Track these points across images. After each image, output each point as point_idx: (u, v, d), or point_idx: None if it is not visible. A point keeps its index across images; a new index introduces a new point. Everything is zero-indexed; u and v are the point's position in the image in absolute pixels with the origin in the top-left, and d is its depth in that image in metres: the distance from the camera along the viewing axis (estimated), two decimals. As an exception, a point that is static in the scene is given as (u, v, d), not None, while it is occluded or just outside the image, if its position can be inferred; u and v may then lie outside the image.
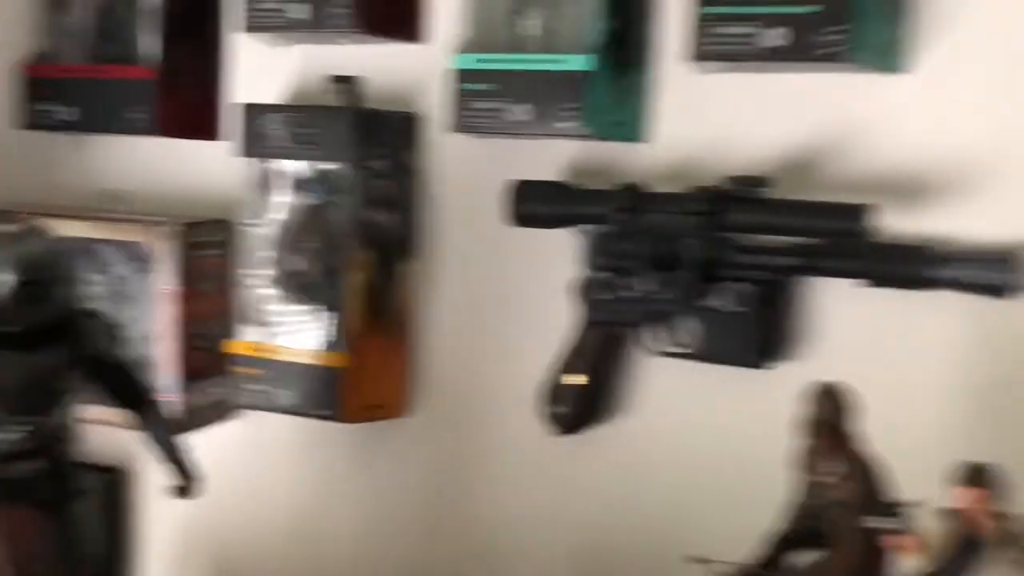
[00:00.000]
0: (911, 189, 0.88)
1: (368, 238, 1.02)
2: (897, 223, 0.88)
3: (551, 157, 1.00)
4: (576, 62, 0.91)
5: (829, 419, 0.68)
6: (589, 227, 0.95)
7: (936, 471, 0.78)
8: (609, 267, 0.94)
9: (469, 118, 0.95)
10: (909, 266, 0.85)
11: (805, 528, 0.72)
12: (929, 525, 0.67)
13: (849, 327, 0.90)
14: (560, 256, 0.99)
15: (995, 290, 0.83)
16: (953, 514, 0.66)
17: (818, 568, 0.68)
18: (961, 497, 0.65)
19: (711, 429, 0.95)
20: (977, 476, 0.65)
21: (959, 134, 0.86)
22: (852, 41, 0.81)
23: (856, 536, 0.67)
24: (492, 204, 1.00)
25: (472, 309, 1.05)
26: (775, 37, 0.83)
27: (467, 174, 1.04)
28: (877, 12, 0.83)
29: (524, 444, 1.03)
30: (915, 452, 0.83)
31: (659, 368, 0.97)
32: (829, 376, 0.88)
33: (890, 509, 0.63)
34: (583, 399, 0.96)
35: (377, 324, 1.04)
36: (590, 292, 0.95)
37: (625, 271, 0.93)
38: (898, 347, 0.89)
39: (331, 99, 1.04)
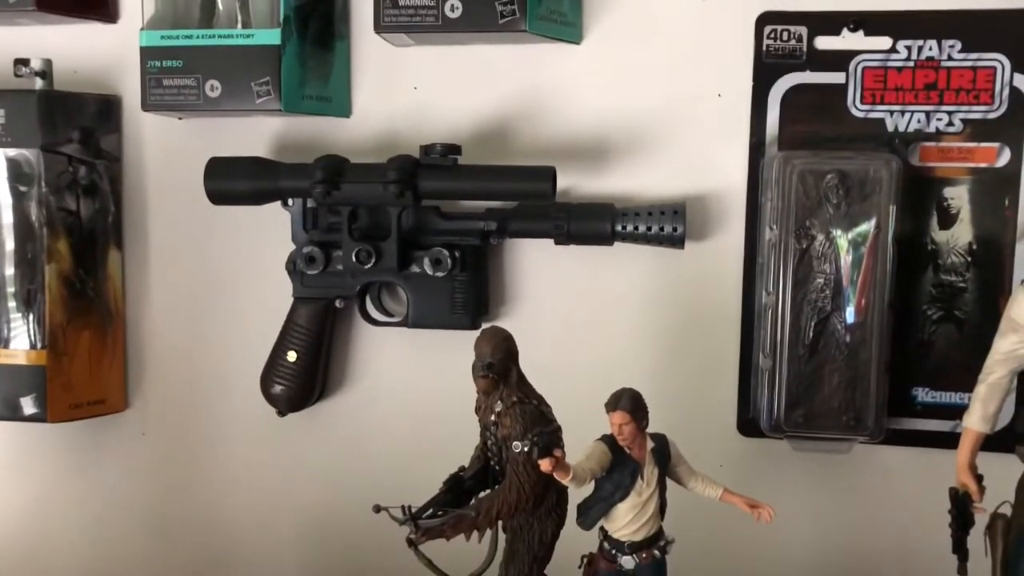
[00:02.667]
0: (594, 152, 0.93)
1: (65, 227, 0.97)
2: (583, 184, 0.94)
3: (256, 134, 0.99)
4: (265, 36, 0.90)
5: (487, 362, 0.71)
6: (294, 202, 0.95)
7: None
8: (316, 241, 0.94)
9: (160, 97, 0.93)
10: (595, 223, 0.90)
11: (485, 468, 0.75)
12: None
13: (550, 282, 0.95)
14: (273, 233, 0.98)
15: (673, 240, 0.89)
16: (605, 436, 0.71)
17: (486, 499, 0.71)
18: (610, 419, 0.70)
19: (429, 392, 0.98)
20: (617, 401, 0.70)
21: (631, 100, 0.92)
22: (524, 11, 0.85)
23: (516, 467, 0.70)
24: (198, 185, 0.97)
25: (187, 293, 1.03)
26: (452, 8, 0.86)
27: (171, 156, 1.02)
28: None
29: (249, 427, 1.02)
30: (614, 382, 0.85)
31: (376, 338, 0.99)
32: (535, 330, 0.95)
33: (534, 437, 0.66)
34: (301, 376, 0.96)
35: (84, 317, 0.99)
36: (299, 267, 0.95)
37: (332, 244, 0.94)
38: (593, 297, 0.95)
39: (18, 83, 0.98)
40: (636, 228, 0.90)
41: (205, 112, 0.94)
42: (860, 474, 0.91)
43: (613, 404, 0.70)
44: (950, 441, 0.86)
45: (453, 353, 0.96)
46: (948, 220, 0.89)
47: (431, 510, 0.70)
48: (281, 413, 0.98)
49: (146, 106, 0.94)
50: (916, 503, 0.90)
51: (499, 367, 0.71)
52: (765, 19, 0.89)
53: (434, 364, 0.97)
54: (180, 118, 1.00)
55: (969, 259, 0.88)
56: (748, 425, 0.93)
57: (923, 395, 0.90)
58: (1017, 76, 0.85)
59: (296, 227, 0.96)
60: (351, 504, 0.98)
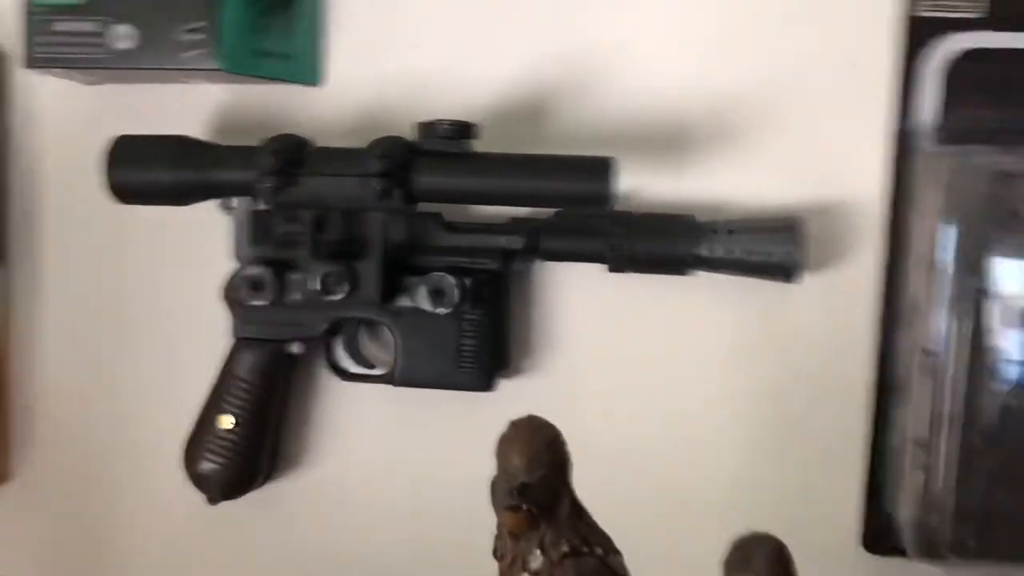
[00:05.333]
0: (663, 141, 0.66)
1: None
2: (648, 186, 0.66)
3: (191, 106, 0.71)
4: (200, -37, 0.63)
5: (519, 483, 0.42)
6: (240, 203, 0.67)
7: (721, 496, 0.65)
8: (266, 259, 0.66)
9: (47, 48, 0.65)
10: (668, 243, 0.63)
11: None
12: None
13: (598, 325, 0.67)
14: (209, 247, 0.71)
15: (782, 270, 0.61)
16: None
17: None
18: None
19: (419, 479, 0.70)
20: (747, 560, 0.42)
21: (720, 68, 0.65)
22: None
23: None
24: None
25: (91, 327, 0.75)
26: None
27: (75, 136, 0.74)
28: None
29: (169, 514, 0.74)
30: (694, 473, 0.67)
31: (348, 398, 0.71)
32: (571, 393, 0.68)
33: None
34: (241, 449, 0.68)
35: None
36: (241, 297, 0.67)
37: (288, 264, 0.66)
38: (660, 348, 0.67)
39: None
40: (729, 251, 0.62)
41: (110, 70, 0.66)
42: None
43: (742, 566, 0.42)
44: None
45: (456, 424, 0.69)
46: None
47: None
48: (212, 500, 0.69)
49: (31, 61, 0.66)
50: None
51: (540, 492, 0.42)
52: (923, -48, 0.62)
53: (428, 439, 0.69)
54: (90, 83, 0.72)
55: None
56: (878, 538, 0.64)
57: None
58: None
59: (240, 239, 0.68)
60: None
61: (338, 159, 0.63)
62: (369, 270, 0.64)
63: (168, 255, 0.73)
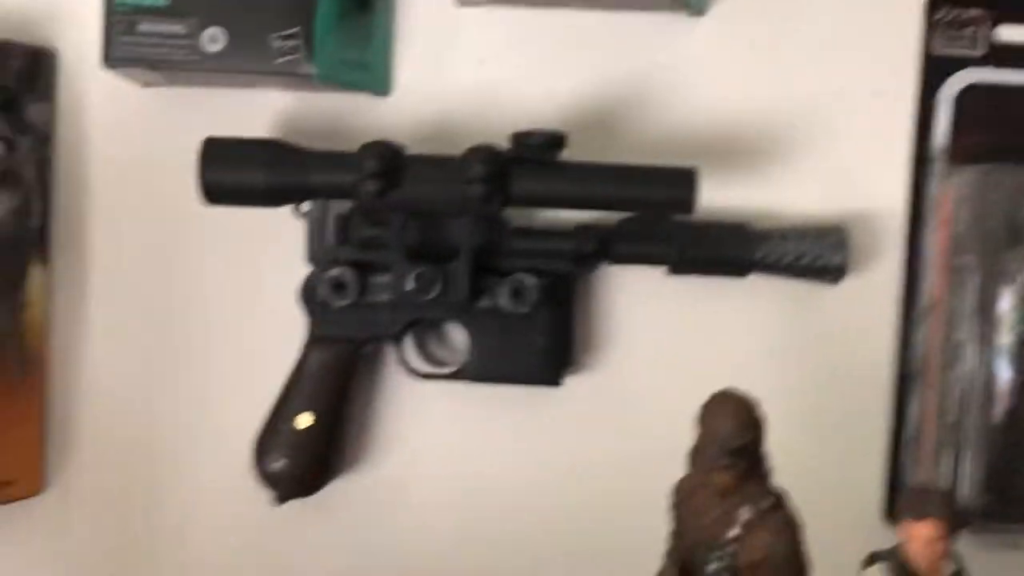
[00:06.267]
0: (713, 155, 0.72)
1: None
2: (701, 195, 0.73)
3: (260, 111, 0.73)
4: (296, -29, 0.65)
5: (735, 446, 0.48)
6: (316, 206, 0.69)
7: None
8: (349, 260, 0.68)
9: (131, 48, 0.65)
10: (728, 248, 0.69)
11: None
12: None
13: (654, 324, 0.73)
14: (280, 249, 0.72)
15: (830, 273, 0.69)
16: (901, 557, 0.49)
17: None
18: (909, 532, 0.49)
19: (489, 473, 0.73)
20: (923, 504, 0.49)
21: (764, 93, 0.72)
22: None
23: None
24: (173, 177, 0.71)
25: (145, 331, 0.74)
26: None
27: (125, 136, 0.74)
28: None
29: (228, 518, 0.74)
30: None
31: (416, 394, 0.73)
32: (631, 388, 0.73)
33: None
34: (312, 447, 0.70)
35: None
36: (320, 297, 0.68)
37: (372, 266, 0.68)
38: (711, 345, 0.73)
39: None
40: (784, 256, 0.69)
41: (197, 73, 0.67)
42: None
43: (918, 510, 0.48)
44: None
45: (526, 419, 0.73)
46: None
47: None
48: (281, 499, 0.70)
49: (111, 60, 0.66)
50: None
51: (749, 453, 0.48)
52: (936, 1, 0.71)
53: (497, 434, 0.73)
54: (144, 84, 0.72)
55: None
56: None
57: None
58: None
59: (314, 241, 0.70)
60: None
61: (436, 165, 0.66)
62: (458, 272, 0.67)
63: (217, 256, 0.74)
